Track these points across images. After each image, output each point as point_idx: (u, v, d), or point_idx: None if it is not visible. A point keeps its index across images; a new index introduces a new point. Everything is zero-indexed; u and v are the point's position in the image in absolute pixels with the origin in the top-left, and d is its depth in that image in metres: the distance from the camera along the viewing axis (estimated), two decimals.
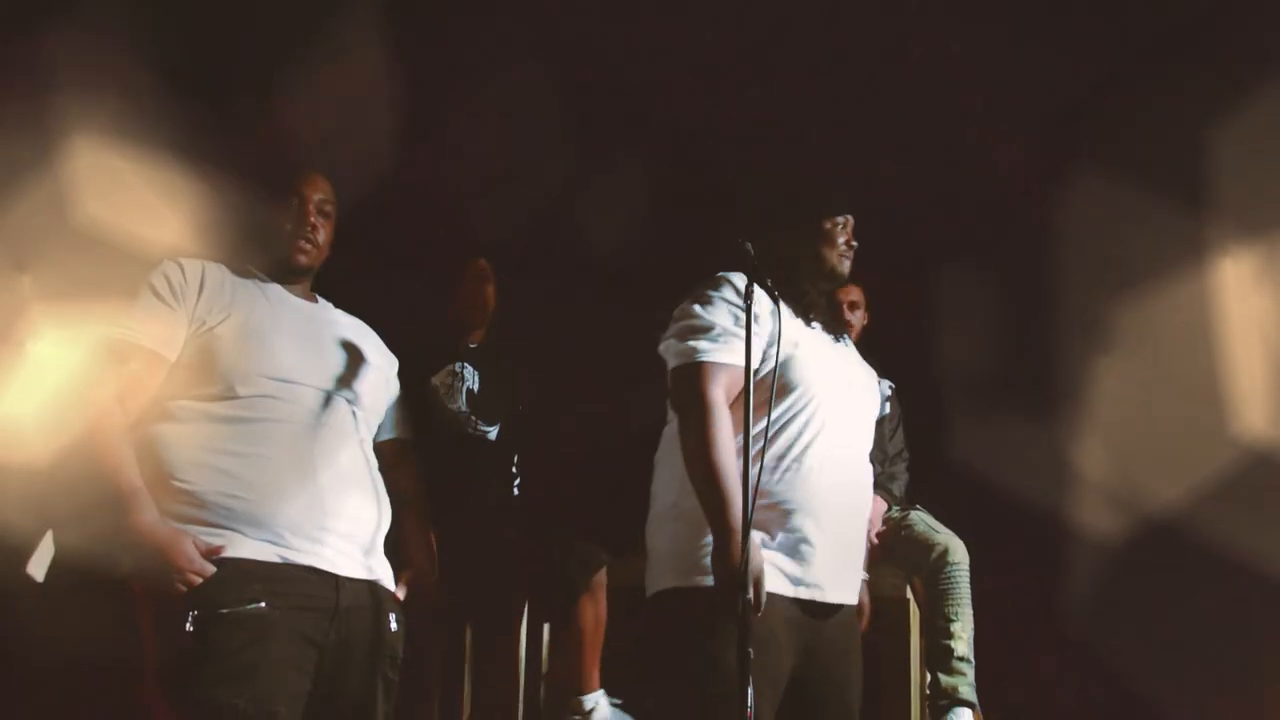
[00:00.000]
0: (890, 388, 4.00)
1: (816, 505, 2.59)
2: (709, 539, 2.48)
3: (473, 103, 4.42)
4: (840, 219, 2.81)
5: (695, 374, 2.57)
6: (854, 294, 3.99)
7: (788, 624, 2.55)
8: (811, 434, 2.62)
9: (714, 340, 2.59)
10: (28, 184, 3.28)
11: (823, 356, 2.73)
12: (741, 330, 2.53)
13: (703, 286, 2.69)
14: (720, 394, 2.56)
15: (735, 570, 2.35)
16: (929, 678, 3.58)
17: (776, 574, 2.54)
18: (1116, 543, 4.28)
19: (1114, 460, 4.41)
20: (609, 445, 3.91)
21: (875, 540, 3.65)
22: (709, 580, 2.46)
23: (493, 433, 3.68)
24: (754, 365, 2.50)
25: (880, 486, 3.63)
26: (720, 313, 2.62)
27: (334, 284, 2.88)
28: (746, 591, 2.30)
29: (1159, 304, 4.37)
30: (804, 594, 2.58)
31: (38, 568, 3.05)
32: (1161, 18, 4.01)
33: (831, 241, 2.79)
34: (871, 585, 3.39)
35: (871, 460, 2.82)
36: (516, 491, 3.76)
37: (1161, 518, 4.22)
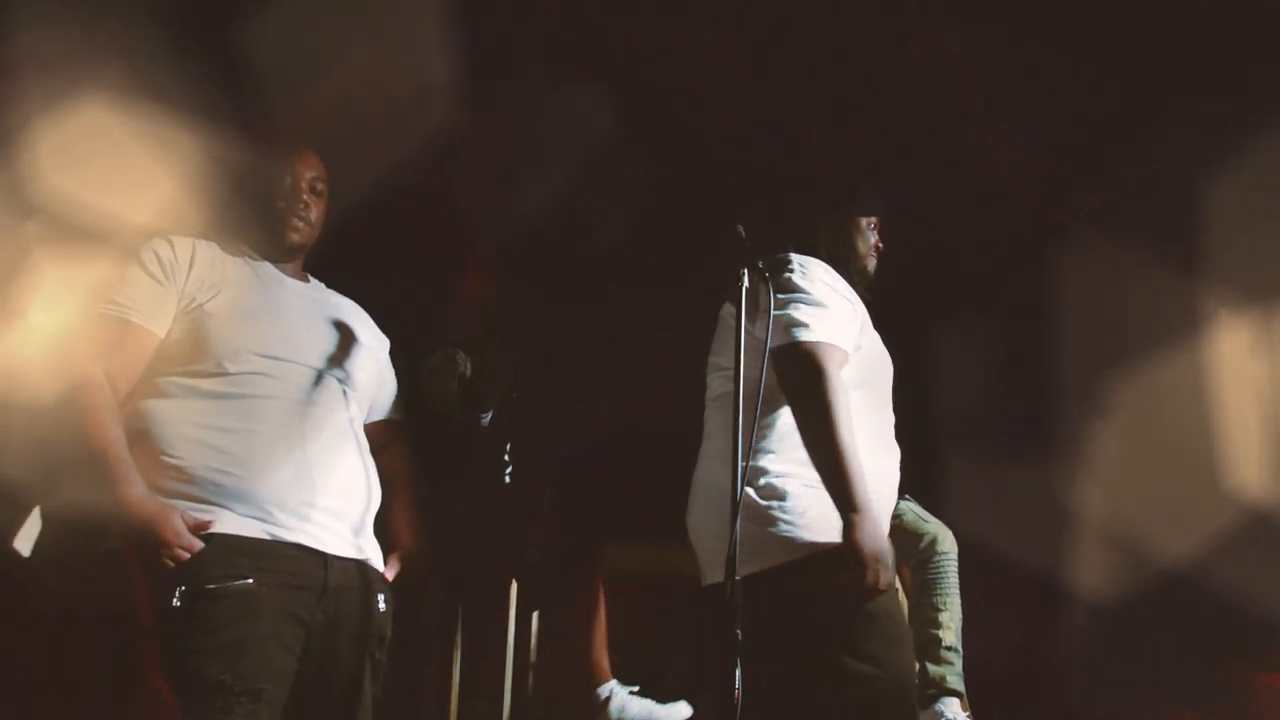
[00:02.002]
0: None
1: (887, 491, 2.61)
2: (815, 505, 2.43)
3: (473, 101, 4.42)
4: (874, 219, 2.87)
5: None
6: None
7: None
8: (889, 425, 2.66)
9: (825, 321, 2.53)
10: (30, 139, 3.29)
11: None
12: (844, 311, 2.55)
13: (792, 261, 2.63)
14: (839, 372, 2.51)
15: (866, 549, 2.31)
16: (917, 667, 3.56)
17: None
18: (1112, 593, 4.30)
19: (1110, 511, 4.42)
20: (604, 440, 3.89)
21: None
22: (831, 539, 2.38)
23: (486, 418, 3.68)
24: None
25: None
26: (826, 292, 2.59)
27: (333, 279, 2.88)
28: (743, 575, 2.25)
29: (1155, 367, 4.40)
30: None
31: (24, 542, 3.04)
32: (1162, 17, 4.01)
33: (865, 239, 2.84)
34: None
35: None
36: (508, 479, 3.74)
37: (1157, 569, 4.24)
